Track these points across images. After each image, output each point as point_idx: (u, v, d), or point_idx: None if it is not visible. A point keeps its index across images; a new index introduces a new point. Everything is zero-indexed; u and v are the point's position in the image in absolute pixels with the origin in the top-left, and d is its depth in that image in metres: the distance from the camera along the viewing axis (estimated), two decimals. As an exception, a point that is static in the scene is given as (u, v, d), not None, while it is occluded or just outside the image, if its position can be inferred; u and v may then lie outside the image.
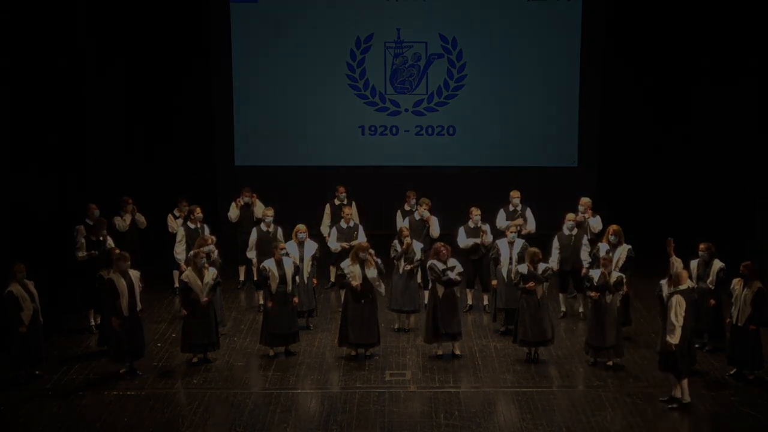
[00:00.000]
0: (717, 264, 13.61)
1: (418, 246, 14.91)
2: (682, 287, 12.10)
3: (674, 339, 11.93)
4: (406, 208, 16.40)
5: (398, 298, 14.83)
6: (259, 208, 16.68)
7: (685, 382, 12.14)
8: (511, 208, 16.04)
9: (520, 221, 15.63)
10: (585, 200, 15.72)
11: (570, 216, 15.32)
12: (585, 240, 15.14)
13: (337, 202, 16.68)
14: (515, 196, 16.05)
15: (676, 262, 13.09)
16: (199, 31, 19.58)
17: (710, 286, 13.53)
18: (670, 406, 12.14)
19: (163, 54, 19.30)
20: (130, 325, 13.08)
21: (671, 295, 12.05)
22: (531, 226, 16.04)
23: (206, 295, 13.40)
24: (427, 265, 13.95)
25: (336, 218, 16.33)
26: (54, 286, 15.24)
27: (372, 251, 13.75)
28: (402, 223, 15.96)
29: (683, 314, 11.93)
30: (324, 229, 16.55)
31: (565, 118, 19.90)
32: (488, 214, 15.72)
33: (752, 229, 17.43)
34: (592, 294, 13.29)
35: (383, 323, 14.41)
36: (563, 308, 15.48)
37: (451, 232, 15.79)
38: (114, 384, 12.95)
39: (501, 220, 15.87)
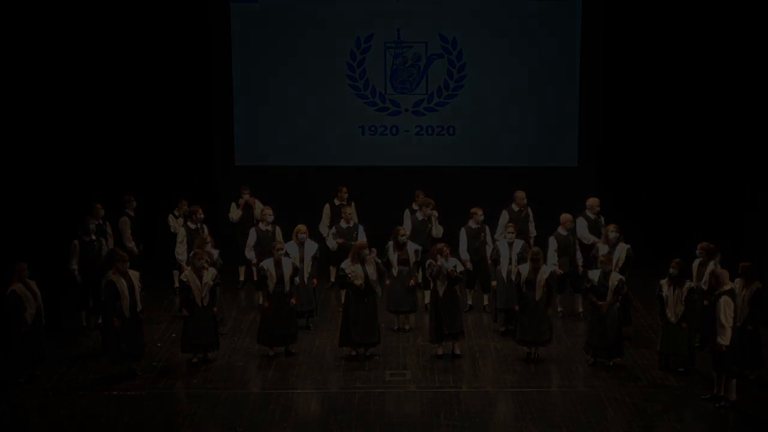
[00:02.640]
0: (712, 266, 13.55)
1: (412, 247, 14.89)
2: (727, 287, 12.14)
3: (725, 340, 11.94)
4: (414, 207, 16.38)
5: (395, 298, 14.83)
6: (258, 208, 16.68)
7: (733, 381, 12.16)
8: (516, 207, 15.96)
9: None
10: (595, 200, 15.64)
11: (565, 217, 15.25)
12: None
13: (338, 202, 16.67)
14: (521, 196, 15.97)
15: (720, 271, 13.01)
16: (200, 30, 19.56)
17: (703, 286, 13.48)
18: (717, 404, 12.15)
19: (163, 54, 19.27)
20: (129, 326, 13.08)
21: (718, 296, 12.07)
22: (532, 230, 16.02)
23: (204, 294, 13.42)
24: (427, 263, 13.95)
25: (336, 218, 16.33)
26: (54, 285, 15.21)
27: (368, 251, 13.76)
28: (409, 221, 16.00)
29: (732, 314, 11.97)
30: (323, 228, 16.54)
31: (565, 118, 19.88)
32: (488, 214, 15.71)
33: (752, 229, 17.41)
34: (601, 304, 13.25)
35: (383, 323, 14.40)
36: (559, 308, 15.44)
37: (451, 232, 15.79)
38: (114, 384, 12.95)
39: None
